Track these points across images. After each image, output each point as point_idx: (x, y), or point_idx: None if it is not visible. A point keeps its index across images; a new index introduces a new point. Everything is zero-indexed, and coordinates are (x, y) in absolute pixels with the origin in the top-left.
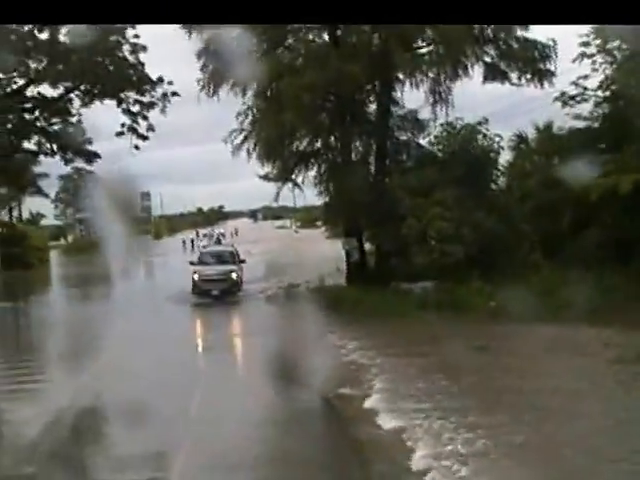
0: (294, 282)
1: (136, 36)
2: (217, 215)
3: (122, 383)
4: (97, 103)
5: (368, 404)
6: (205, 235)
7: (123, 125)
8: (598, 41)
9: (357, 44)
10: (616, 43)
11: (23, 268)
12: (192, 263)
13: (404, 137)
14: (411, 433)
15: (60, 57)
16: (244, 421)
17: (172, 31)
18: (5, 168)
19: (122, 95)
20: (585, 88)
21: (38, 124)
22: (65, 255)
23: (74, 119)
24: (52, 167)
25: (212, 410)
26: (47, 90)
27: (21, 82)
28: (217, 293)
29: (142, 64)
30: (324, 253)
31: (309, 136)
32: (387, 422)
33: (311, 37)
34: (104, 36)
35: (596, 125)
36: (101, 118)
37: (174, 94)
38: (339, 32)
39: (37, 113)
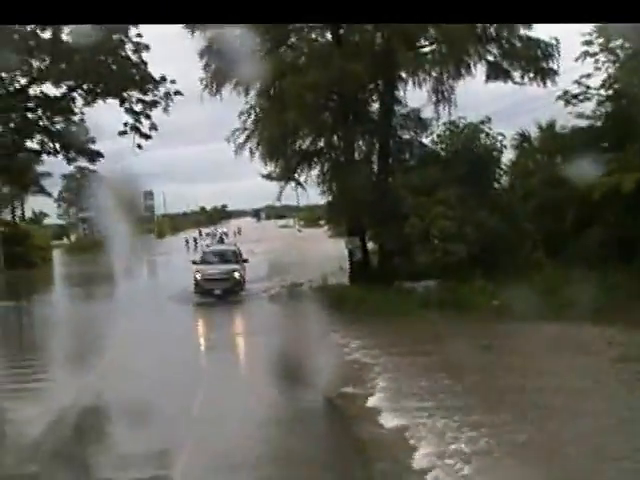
0: (297, 281)
1: (139, 35)
2: (220, 214)
3: (125, 382)
4: (100, 102)
5: (371, 403)
6: (208, 234)
7: (126, 124)
8: (601, 40)
9: (360, 43)
10: (619, 42)
11: (26, 267)
12: (194, 262)
13: (407, 136)
14: (414, 432)
15: (63, 56)
16: (246, 420)
17: (175, 30)
18: (8, 167)
19: (125, 94)
20: (588, 87)
21: (41, 123)
22: (68, 254)
23: (77, 118)
24: (55, 166)
25: (214, 409)
26: (50, 89)
27: (24, 81)
28: (219, 292)
29: (145, 63)
30: (327, 252)
31: (312, 135)
32: (390, 421)
33: (314, 36)
34: (107, 35)
35: (599, 124)
36: (104, 117)
37: (177, 93)
38: (342, 31)
39: (40, 112)
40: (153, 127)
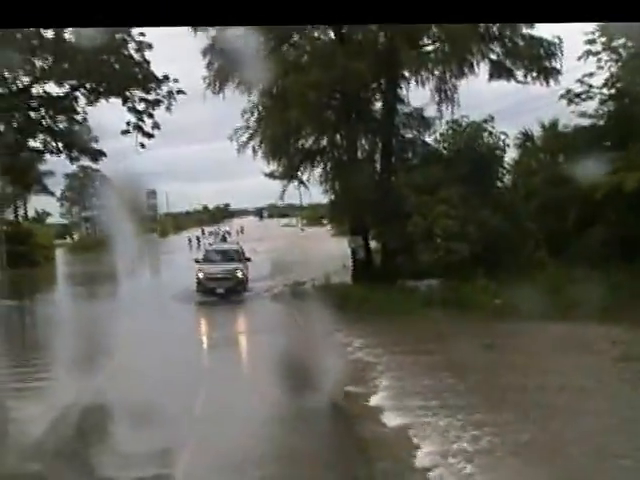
0: (300, 280)
1: (141, 34)
2: (223, 213)
3: (128, 381)
4: (103, 101)
5: (374, 402)
6: (211, 233)
7: (128, 123)
8: (603, 39)
9: (363, 42)
10: (621, 41)
11: (29, 266)
12: (197, 261)
13: (410, 135)
14: (416, 431)
15: (65, 55)
16: (249, 418)
17: (178, 29)
18: (11, 166)
19: (127, 93)
20: (590, 86)
21: (44, 122)
22: (71, 253)
23: (80, 117)
24: (58, 165)
25: (217, 408)
26: (53, 88)
27: (26, 80)
28: (222, 291)
29: (147, 62)
30: (330, 251)
31: (315, 134)
32: (392, 420)
33: (317, 35)
34: (110, 34)
35: (601, 123)
36: (106, 116)
37: (180, 92)
38: (345, 30)
39: (43, 111)
40: (156, 126)
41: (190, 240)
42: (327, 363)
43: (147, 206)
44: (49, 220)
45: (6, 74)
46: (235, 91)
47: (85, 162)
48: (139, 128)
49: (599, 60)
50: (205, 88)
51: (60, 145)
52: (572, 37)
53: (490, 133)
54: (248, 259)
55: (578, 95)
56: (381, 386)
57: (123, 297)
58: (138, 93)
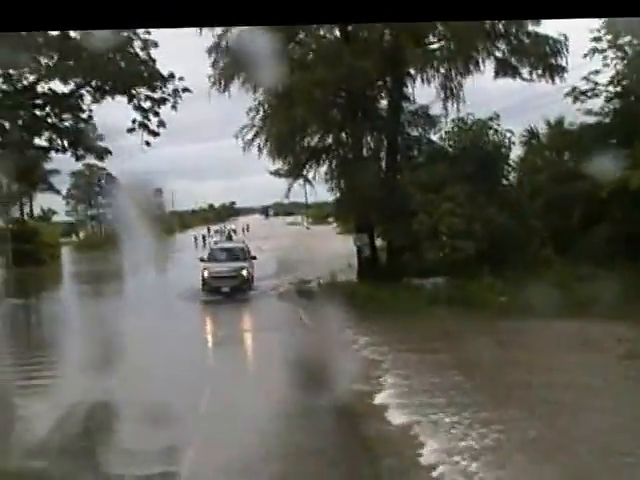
0: (306, 278)
1: (147, 32)
2: (228, 211)
3: (134, 380)
4: (108, 99)
5: (379, 399)
6: (217, 231)
7: (134, 121)
8: (609, 36)
9: (368, 40)
10: (627, 38)
11: (35, 264)
12: (202, 260)
13: (415, 133)
14: (421, 428)
15: (71, 53)
16: (253, 417)
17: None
18: (16, 164)
19: (133, 91)
20: (596, 83)
21: (49, 120)
22: (77, 252)
23: (85, 115)
24: (63, 163)
25: (222, 406)
26: (58, 86)
27: (32, 78)
28: (227, 290)
29: (153, 60)
30: (336, 249)
31: (320, 132)
32: (397, 418)
33: (322, 33)
34: (115, 32)
35: (607, 120)
36: (112, 114)
37: (185, 90)
38: (350, 28)
39: (48, 109)
40: (161, 124)
41: (196, 238)
42: (332, 361)
43: (153, 204)
44: (55, 218)
45: (12, 72)
46: (240, 89)
47: (91, 160)
48: (145, 126)
49: (605, 58)
50: (210, 86)
51: (66, 143)
52: (578, 35)
53: (496, 131)
54: (254, 257)
55: (584, 93)
56: (386, 384)
57: (129, 295)
58: (144, 91)
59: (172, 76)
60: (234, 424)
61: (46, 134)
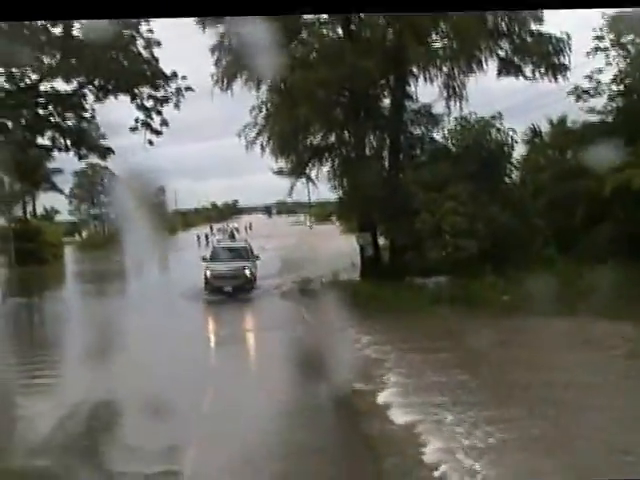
0: (308, 277)
1: (150, 31)
2: (231, 210)
3: (137, 379)
4: (111, 98)
5: (382, 399)
6: (219, 230)
7: (137, 120)
8: (612, 35)
9: (371, 39)
10: (630, 37)
11: (37, 264)
12: (204, 259)
13: (418, 132)
14: (424, 427)
15: (73, 52)
16: (256, 415)
17: (186, 26)
18: (19, 164)
19: (136, 90)
20: (599, 82)
21: (52, 119)
22: (80, 251)
23: (88, 114)
24: (66, 163)
25: (224, 405)
26: (61, 85)
27: (35, 77)
28: (230, 290)
29: (156, 59)
30: (338, 248)
31: (323, 131)
32: (400, 417)
33: (325, 32)
34: (118, 31)
35: (610, 119)
36: (115, 113)
37: (188, 89)
38: (353, 27)
39: (51, 108)
40: (164, 123)
41: (199, 237)
42: (335, 360)
43: (156, 203)
44: (58, 217)
45: (14, 71)
46: (243, 88)
47: (93, 159)
48: (147, 125)
49: (607, 56)
50: (213, 85)
51: (68, 142)
52: (580, 33)
53: (498, 129)
54: (256, 257)
55: (586, 91)
56: (389, 383)
57: (132, 295)
58: (146, 90)
59: (175, 75)
60: (236, 422)
61: (49, 133)
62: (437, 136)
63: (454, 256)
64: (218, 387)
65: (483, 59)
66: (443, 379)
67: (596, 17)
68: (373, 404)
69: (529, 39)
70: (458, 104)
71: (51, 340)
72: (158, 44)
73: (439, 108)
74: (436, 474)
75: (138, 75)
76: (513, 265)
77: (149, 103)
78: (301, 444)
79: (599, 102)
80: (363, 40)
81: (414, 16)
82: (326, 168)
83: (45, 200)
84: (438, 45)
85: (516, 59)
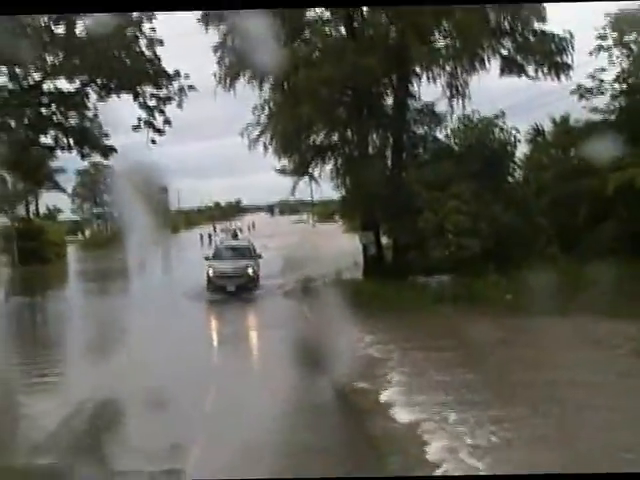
0: (311, 276)
1: (153, 30)
2: (234, 209)
3: (140, 379)
4: (114, 97)
5: (385, 397)
6: (222, 229)
7: (140, 119)
8: (615, 34)
9: (374, 37)
10: (633, 36)
11: (40, 263)
12: (207, 258)
13: (421, 130)
14: (427, 426)
15: (76, 51)
16: (259, 414)
17: (189, 26)
18: (22, 163)
19: (138, 89)
20: (602, 81)
21: (55, 119)
22: (82, 250)
23: (91, 113)
24: (69, 162)
25: (226, 403)
26: (63, 84)
27: (37, 76)
28: (233, 289)
29: (159, 58)
30: (341, 247)
31: (326, 129)
32: (403, 415)
33: (328, 30)
34: (120, 30)
35: (613, 118)
36: (117, 112)
37: (191, 88)
38: (356, 25)
39: (54, 108)
40: (167, 122)
41: (202, 236)
42: (338, 359)
43: (158, 202)
44: (60, 217)
45: (17, 70)
46: (246, 87)
47: (96, 158)
48: (150, 124)
49: (610, 55)
50: (216, 84)
51: (71, 141)
52: (583, 32)
53: (501, 128)
54: (259, 256)
55: (589, 90)
56: (392, 382)
57: (134, 294)
58: (149, 89)
59: (178, 74)
60: (239, 421)
61: (51, 132)
62: (440, 135)
63: (457, 255)
64: (221, 385)
65: (486, 58)
66: (446, 378)
67: (599, 16)
68: (376, 403)
69: (532, 38)
70: (461, 103)
71: (54, 339)
72: (161, 43)
73: (442, 107)
74: (439, 472)
75: (141, 74)
76: (516, 264)
77: (152, 102)
78: (304, 443)
79: (602, 101)
80: (366, 39)
81: (417, 15)
82: (329, 167)
83: (48, 199)
84: (441, 44)
85: (519, 58)
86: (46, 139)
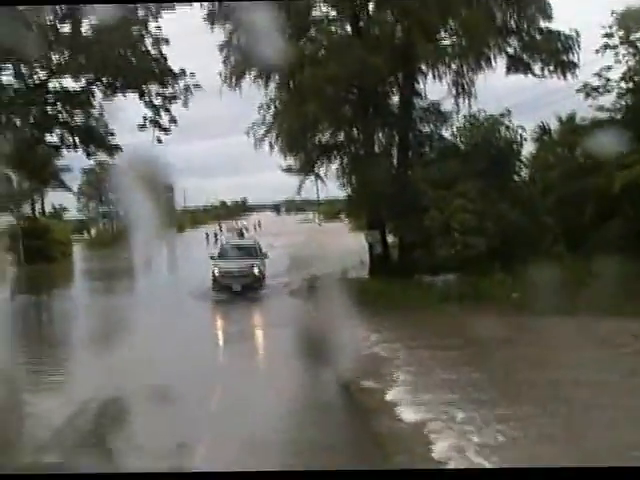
0: (317, 275)
1: (158, 28)
2: (240, 208)
3: (146, 377)
4: (119, 96)
5: (390, 396)
6: (228, 228)
7: (145, 118)
8: (621, 32)
9: (380, 36)
10: (639, 34)
11: (46, 262)
12: (212, 257)
13: (427, 129)
14: (433, 425)
15: (82, 50)
16: (264, 413)
17: (195, 24)
18: (28, 161)
19: (144, 88)
20: (608, 79)
21: (60, 117)
22: (88, 249)
23: (96, 112)
24: (74, 160)
25: (232, 402)
26: (69, 83)
27: (43, 75)
28: (238, 289)
29: (164, 57)
30: (347, 246)
31: (331, 128)
32: (409, 414)
33: (333, 28)
34: (126, 29)
35: (619, 116)
36: (123, 111)
37: (196, 87)
38: (362, 23)
39: (59, 106)
40: (172, 121)
41: (207, 235)
42: (344, 357)
43: (164, 201)
44: (66, 215)
45: (23, 69)
46: (252, 86)
47: (102, 157)
48: (156, 123)
49: (617, 54)
50: (222, 83)
51: (77, 140)
52: (589, 31)
53: (507, 127)
54: (265, 255)
55: (596, 89)
56: (398, 381)
57: (140, 293)
58: (155, 88)
59: (183, 73)
60: (245, 419)
61: (57, 131)
62: (446, 133)
63: (463, 254)
64: (227, 384)
65: (492, 56)
66: (452, 377)
67: (605, 14)
68: (382, 402)
69: (538, 36)
70: (467, 101)
71: (60, 338)
72: (166, 42)
73: (448, 105)
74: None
75: (146, 73)
76: (522, 262)
77: (157, 101)
78: (310, 441)
79: (608, 99)
80: (372, 37)
81: (423, 13)
82: (335, 166)
83: (54, 198)
84: (447, 42)
85: (525, 56)
86: (52, 138)
